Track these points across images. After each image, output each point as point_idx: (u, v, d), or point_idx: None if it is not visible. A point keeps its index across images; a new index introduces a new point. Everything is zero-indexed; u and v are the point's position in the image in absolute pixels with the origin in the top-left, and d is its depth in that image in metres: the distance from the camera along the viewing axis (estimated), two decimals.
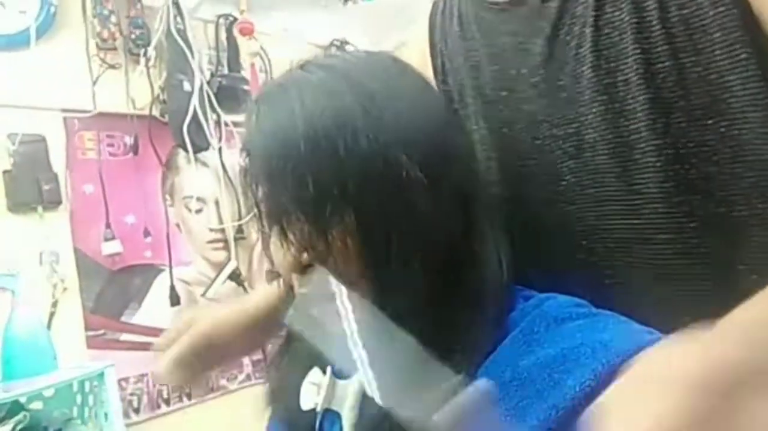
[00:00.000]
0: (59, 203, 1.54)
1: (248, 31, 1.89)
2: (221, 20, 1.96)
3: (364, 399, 0.50)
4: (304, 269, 0.49)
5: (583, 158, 0.53)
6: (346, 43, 2.28)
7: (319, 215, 0.45)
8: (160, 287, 1.71)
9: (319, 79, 0.49)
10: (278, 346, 0.62)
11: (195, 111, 1.70)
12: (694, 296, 0.50)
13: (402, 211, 0.46)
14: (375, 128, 0.45)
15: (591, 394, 0.37)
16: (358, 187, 0.45)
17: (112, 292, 1.62)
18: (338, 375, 0.53)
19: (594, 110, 0.51)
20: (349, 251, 0.46)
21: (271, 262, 0.52)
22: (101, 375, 1.30)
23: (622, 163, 0.51)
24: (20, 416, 1.19)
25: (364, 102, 0.46)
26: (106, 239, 1.62)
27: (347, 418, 0.50)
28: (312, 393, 0.52)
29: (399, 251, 0.46)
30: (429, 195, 0.46)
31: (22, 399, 1.23)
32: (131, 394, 1.61)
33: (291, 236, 0.47)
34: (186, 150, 1.72)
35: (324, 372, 0.53)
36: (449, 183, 0.48)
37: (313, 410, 0.52)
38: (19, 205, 1.47)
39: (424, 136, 0.47)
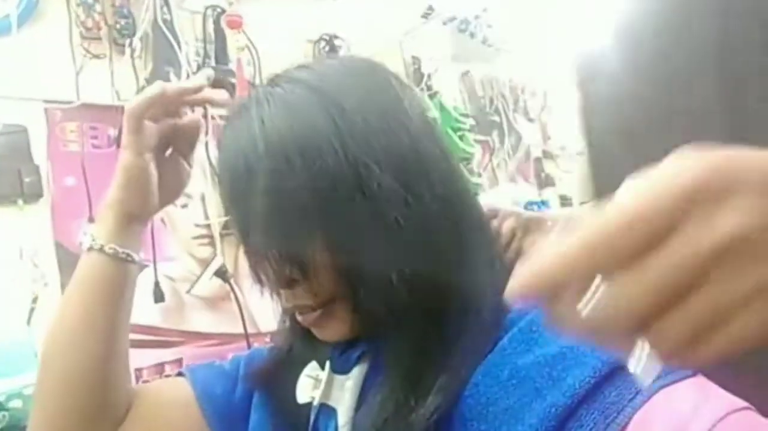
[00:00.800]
0: (40, 196, 1.50)
1: (236, 25, 1.86)
2: (209, 11, 1.93)
3: (362, 395, 0.49)
4: (289, 283, 0.48)
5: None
6: (336, 37, 2.26)
7: (284, 235, 0.46)
8: (144, 284, 1.67)
9: (284, 92, 0.48)
10: (277, 338, 0.62)
11: None
12: None
13: (375, 222, 0.45)
14: (342, 140, 0.45)
15: (591, 392, 0.37)
16: (324, 203, 0.45)
17: None
18: (337, 369, 0.52)
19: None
20: (325, 269, 0.46)
21: (259, 279, 0.51)
22: None
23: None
24: None
25: (332, 114, 0.46)
26: None
27: (343, 415, 0.49)
28: (309, 386, 0.52)
29: (375, 264, 0.46)
30: (404, 204, 0.45)
31: (1, 398, 1.20)
32: None
33: (269, 255, 0.47)
34: None
35: (322, 367, 0.52)
36: (428, 190, 0.47)
37: (309, 404, 0.51)
38: None
39: (396, 145, 0.47)
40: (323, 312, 0.49)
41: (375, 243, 0.46)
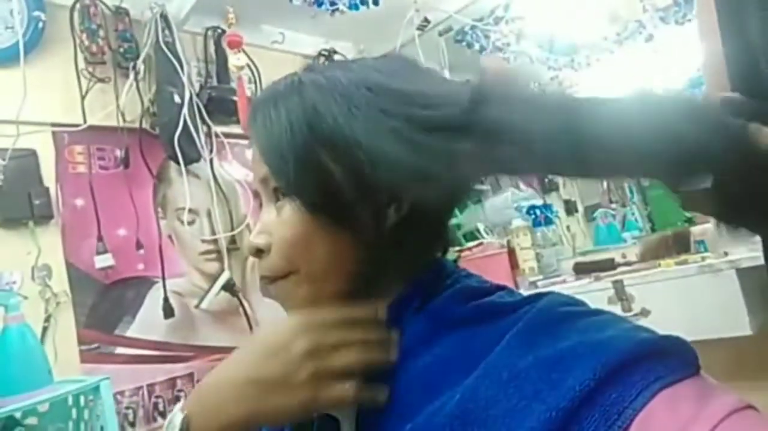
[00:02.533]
0: (50, 217, 1.54)
1: (236, 44, 1.90)
2: (209, 32, 1.98)
3: (362, 403, 0.49)
4: (257, 253, 0.51)
5: None
6: (335, 52, 2.30)
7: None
8: (153, 300, 1.71)
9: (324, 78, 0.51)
10: None
11: (185, 123, 1.70)
12: None
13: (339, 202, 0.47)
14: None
15: (591, 393, 0.37)
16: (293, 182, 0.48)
17: (106, 305, 1.62)
18: None
19: None
20: (280, 244, 0.50)
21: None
22: (97, 388, 1.29)
23: None
24: None
25: (342, 103, 0.47)
26: (99, 253, 1.62)
27: (346, 425, 0.50)
28: None
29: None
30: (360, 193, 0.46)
31: (18, 415, 1.22)
32: (127, 407, 1.60)
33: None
34: (177, 162, 1.72)
35: None
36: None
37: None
38: (10, 220, 1.47)
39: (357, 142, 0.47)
40: (278, 286, 0.51)
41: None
